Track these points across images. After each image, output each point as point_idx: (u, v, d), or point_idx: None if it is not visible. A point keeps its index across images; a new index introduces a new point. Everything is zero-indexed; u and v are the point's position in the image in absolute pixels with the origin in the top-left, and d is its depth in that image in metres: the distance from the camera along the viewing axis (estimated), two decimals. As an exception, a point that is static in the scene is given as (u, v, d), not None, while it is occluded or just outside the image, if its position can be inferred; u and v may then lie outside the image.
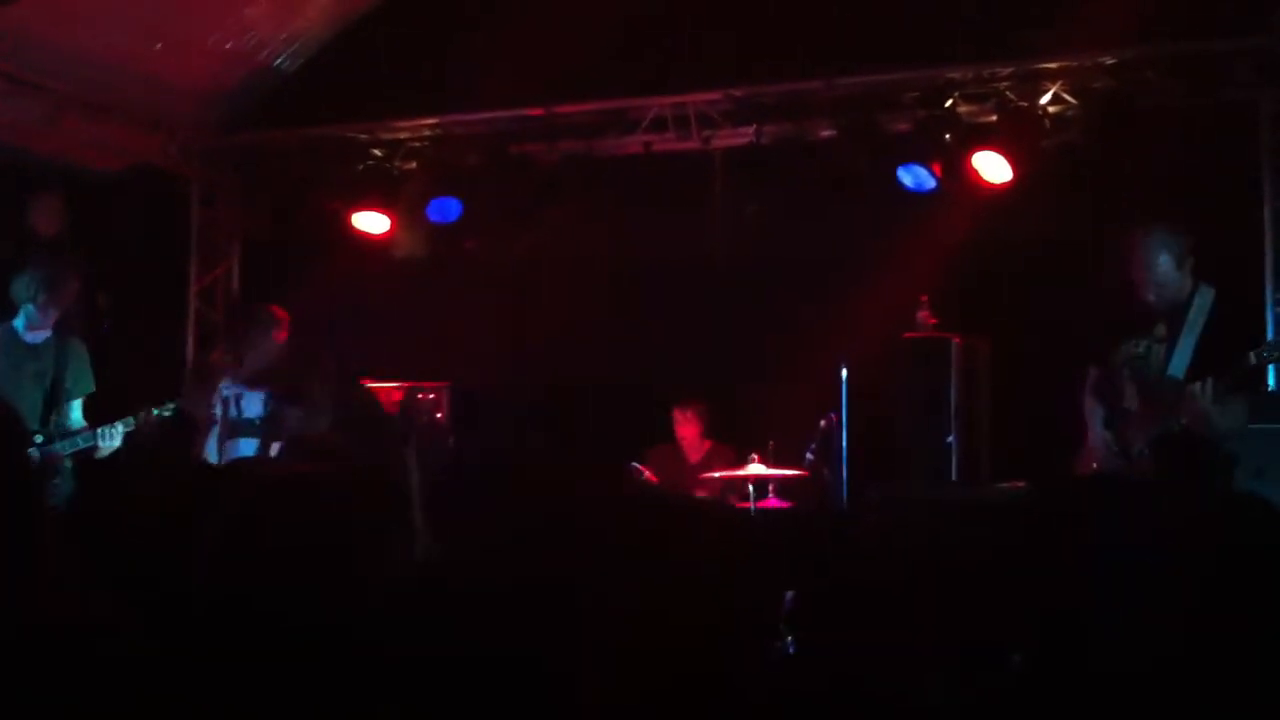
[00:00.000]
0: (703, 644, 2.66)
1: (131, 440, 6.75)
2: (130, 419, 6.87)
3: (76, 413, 7.06)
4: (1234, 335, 5.84)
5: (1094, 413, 6.12)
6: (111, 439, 6.86)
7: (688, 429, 9.01)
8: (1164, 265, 5.91)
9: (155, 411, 6.81)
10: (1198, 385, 5.64)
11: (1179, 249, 5.93)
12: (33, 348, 7.02)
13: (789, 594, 3.05)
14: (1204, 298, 5.91)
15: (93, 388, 7.16)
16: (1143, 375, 5.96)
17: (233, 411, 7.78)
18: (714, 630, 2.72)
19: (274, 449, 7.53)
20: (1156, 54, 7.63)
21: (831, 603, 2.94)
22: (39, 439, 6.74)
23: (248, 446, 7.58)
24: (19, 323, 7.02)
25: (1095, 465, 6.02)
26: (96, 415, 7.09)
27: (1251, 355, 5.69)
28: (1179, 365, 5.85)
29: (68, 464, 6.78)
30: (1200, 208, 6.90)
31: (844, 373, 7.79)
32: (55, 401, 6.92)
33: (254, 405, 7.77)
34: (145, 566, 2.90)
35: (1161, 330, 5.95)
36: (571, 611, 2.34)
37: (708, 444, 9.01)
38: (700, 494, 8.29)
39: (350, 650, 2.35)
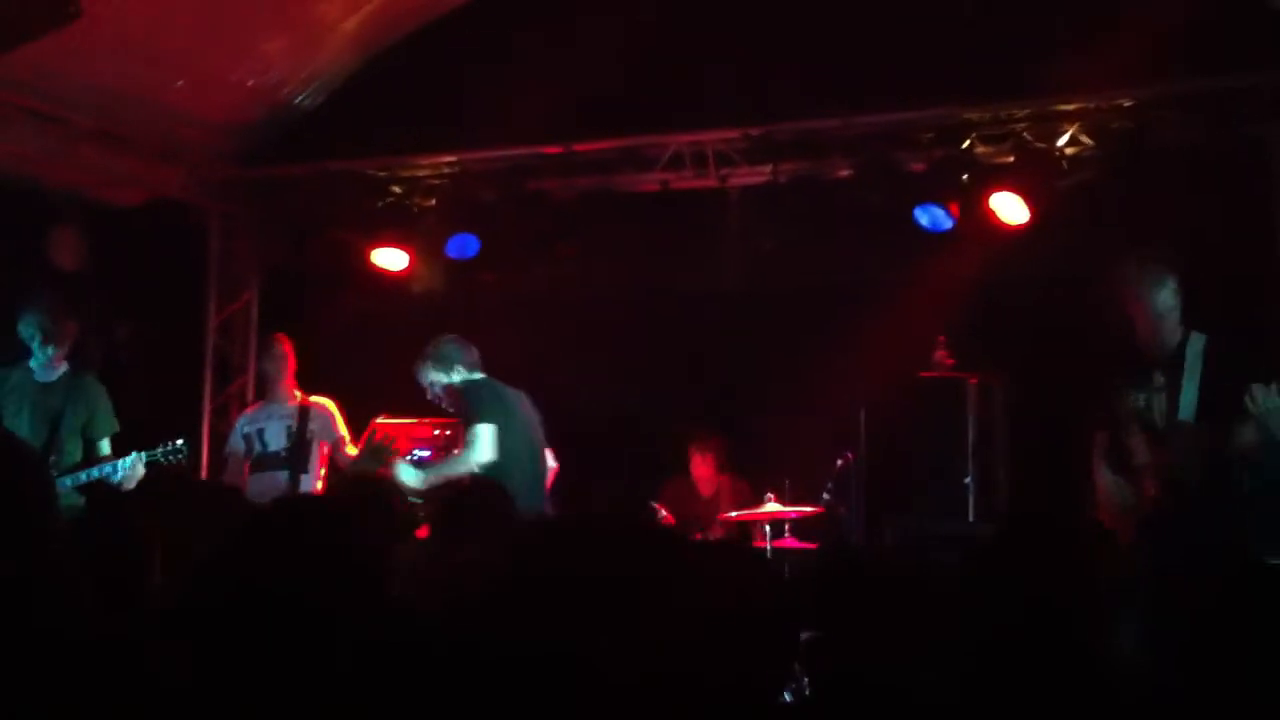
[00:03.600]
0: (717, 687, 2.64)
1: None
2: (128, 459, 6.86)
3: (106, 452, 7.04)
4: (1234, 376, 5.76)
5: (1103, 473, 6.03)
6: (114, 475, 6.85)
7: (704, 468, 9.02)
8: (1165, 296, 5.83)
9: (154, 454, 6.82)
10: (1249, 393, 5.46)
11: (1175, 282, 5.88)
12: (45, 387, 7.03)
13: (804, 634, 3.03)
14: (1196, 344, 5.82)
15: (116, 428, 7.14)
16: (1150, 427, 5.88)
17: (257, 446, 7.78)
18: (728, 674, 2.70)
19: (303, 481, 7.54)
20: (1172, 93, 7.61)
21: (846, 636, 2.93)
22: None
23: (274, 480, 7.57)
24: (34, 362, 7.04)
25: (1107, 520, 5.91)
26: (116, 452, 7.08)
27: None
28: (1187, 410, 5.76)
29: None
30: (1216, 246, 6.87)
31: (861, 413, 7.78)
32: (55, 438, 6.89)
33: (278, 438, 7.76)
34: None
35: (1160, 379, 5.86)
36: (582, 649, 2.33)
37: (724, 478, 9.00)
38: (716, 532, 8.27)
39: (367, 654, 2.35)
